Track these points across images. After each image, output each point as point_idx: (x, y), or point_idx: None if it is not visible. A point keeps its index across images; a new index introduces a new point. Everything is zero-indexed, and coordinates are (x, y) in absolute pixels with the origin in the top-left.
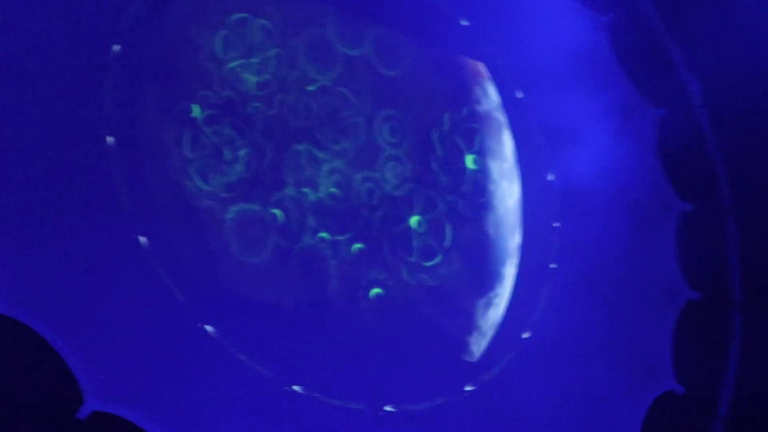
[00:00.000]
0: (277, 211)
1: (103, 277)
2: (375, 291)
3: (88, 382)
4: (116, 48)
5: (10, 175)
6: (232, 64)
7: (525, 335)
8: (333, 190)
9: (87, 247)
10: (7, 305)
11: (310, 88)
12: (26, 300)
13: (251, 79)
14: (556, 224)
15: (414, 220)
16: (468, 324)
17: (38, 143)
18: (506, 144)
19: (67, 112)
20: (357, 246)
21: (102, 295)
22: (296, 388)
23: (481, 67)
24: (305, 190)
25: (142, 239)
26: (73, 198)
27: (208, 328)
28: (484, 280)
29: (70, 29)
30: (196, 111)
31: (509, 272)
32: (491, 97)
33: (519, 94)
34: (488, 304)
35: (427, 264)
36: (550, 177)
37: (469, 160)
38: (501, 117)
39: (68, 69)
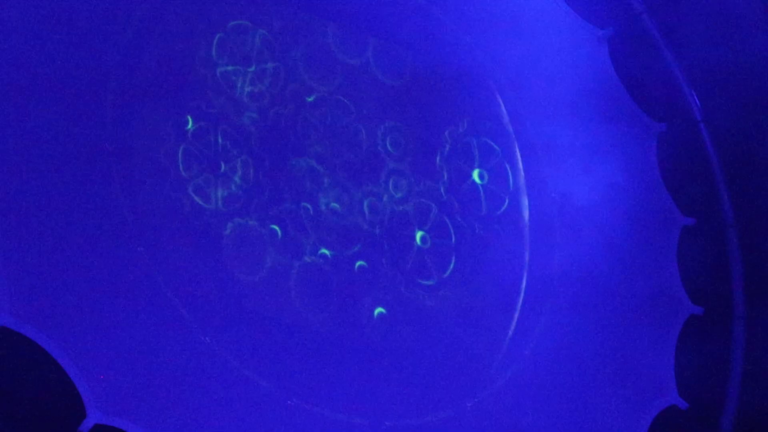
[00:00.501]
0: (275, 227)
1: (107, 291)
2: (379, 310)
3: (90, 395)
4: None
5: (13, 192)
6: (229, 75)
7: (527, 350)
8: (334, 205)
9: (90, 262)
10: (9, 318)
11: (309, 98)
12: (29, 313)
13: (248, 89)
14: (557, 239)
15: (419, 237)
16: (477, 342)
17: (39, 160)
18: (512, 158)
19: (69, 128)
20: (359, 263)
21: (105, 309)
22: (299, 402)
23: (486, 81)
24: (305, 204)
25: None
26: (75, 213)
27: (209, 340)
28: (492, 298)
29: (72, 44)
30: (191, 123)
31: (515, 290)
32: (497, 110)
33: (521, 109)
34: (496, 322)
35: (433, 282)
36: (552, 193)
37: (476, 174)
38: (507, 131)
39: (70, 84)
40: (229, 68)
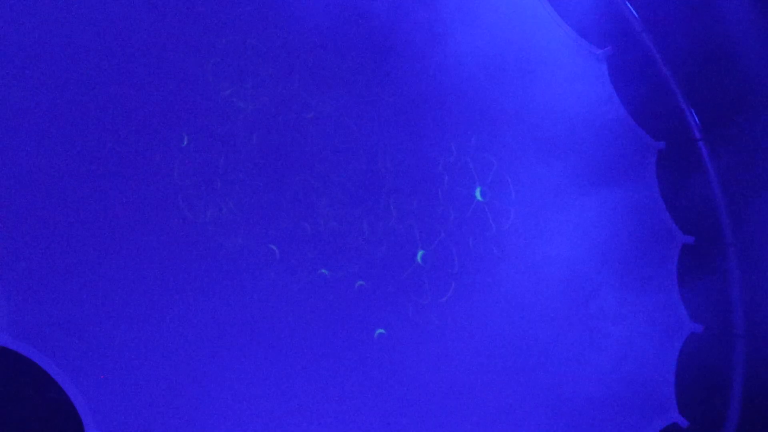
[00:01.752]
0: (273, 246)
1: (106, 311)
2: (379, 331)
3: (88, 414)
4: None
5: (14, 210)
6: (225, 92)
7: (528, 369)
8: (333, 224)
9: (90, 282)
10: (8, 338)
11: (308, 115)
12: (28, 332)
13: (245, 106)
14: (556, 257)
15: (419, 256)
16: (478, 363)
17: (41, 179)
18: (512, 176)
19: (68, 150)
20: (359, 283)
21: (104, 328)
22: (299, 421)
23: (484, 99)
24: (303, 223)
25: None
26: (75, 232)
27: (206, 358)
28: (492, 317)
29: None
30: (186, 141)
31: (516, 309)
32: (496, 128)
33: (519, 126)
34: (496, 343)
35: (434, 302)
36: (551, 212)
37: (479, 192)
38: (506, 149)
39: (72, 104)
40: (225, 84)
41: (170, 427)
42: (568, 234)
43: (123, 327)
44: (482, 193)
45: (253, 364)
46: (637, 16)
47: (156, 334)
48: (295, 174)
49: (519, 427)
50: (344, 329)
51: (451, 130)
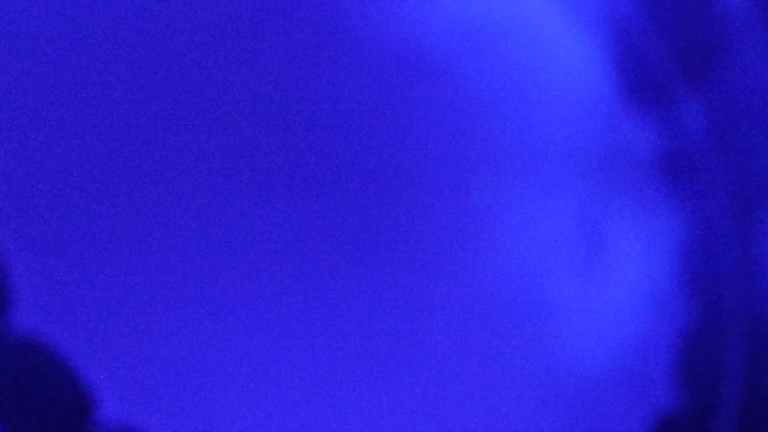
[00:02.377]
0: (274, 244)
1: (129, 294)
2: (378, 327)
3: (107, 397)
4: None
5: (37, 189)
6: (226, 90)
7: (523, 358)
8: (332, 221)
9: (112, 264)
10: (27, 319)
11: (310, 112)
12: (48, 315)
13: (245, 104)
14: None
15: (419, 253)
16: (478, 352)
17: (45, 175)
18: (508, 174)
19: (70, 148)
20: (359, 280)
21: (120, 308)
22: (307, 413)
23: (478, 96)
24: (304, 221)
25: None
26: (96, 215)
27: (221, 339)
28: (491, 312)
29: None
30: (187, 140)
31: (517, 300)
32: (490, 126)
33: (514, 126)
34: (494, 335)
35: (434, 300)
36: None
37: (477, 191)
38: (502, 147)
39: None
40: (228, 88)
41: (189, 409)
42: (566, 231)
43: (147, 311)
44: (481, 192)
45: (259, 361)
46: (637, 15)
47: (161, 330)
48: (296, 172)
49: (512, 414)
50: (345, 326)
51: (448, 129)
